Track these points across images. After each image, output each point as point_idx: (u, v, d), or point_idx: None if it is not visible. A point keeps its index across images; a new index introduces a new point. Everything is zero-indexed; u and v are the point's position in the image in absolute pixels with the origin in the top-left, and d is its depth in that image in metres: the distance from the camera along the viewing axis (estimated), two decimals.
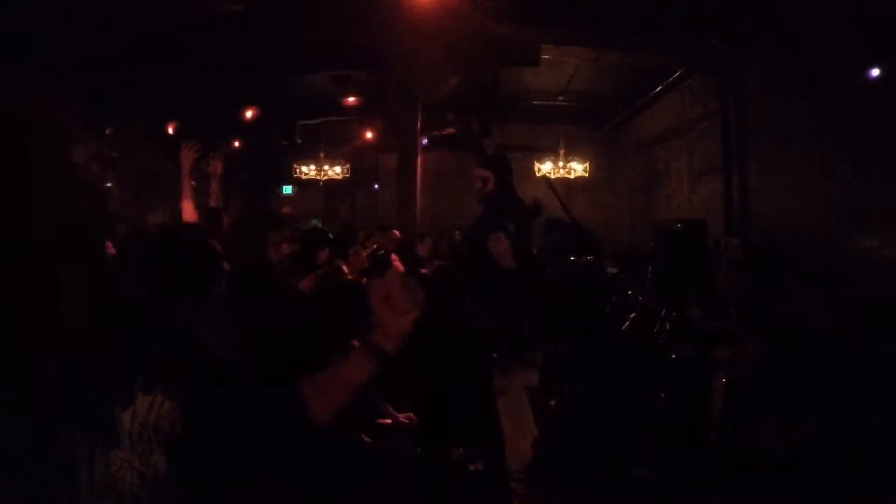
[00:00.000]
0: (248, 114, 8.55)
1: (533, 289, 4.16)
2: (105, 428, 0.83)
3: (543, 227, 4.96)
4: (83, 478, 0.79)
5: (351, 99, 8.77)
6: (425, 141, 9.30)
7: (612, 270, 4.75)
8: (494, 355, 5.65)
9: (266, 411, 1.00)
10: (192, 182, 3.00)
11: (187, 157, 2.96)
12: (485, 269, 2.92)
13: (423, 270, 6.03)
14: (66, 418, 0.79)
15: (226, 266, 1.60)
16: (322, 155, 11.28)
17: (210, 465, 0.96)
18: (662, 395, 3.82)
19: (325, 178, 11.37)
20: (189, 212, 2.95)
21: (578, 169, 10.36)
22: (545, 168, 10.25)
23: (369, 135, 10.17)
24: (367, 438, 2.57)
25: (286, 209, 5.22)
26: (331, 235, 4.61)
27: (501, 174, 3.46)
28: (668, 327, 3.89)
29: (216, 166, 3.04)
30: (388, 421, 2.90)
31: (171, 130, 7.57)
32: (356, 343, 1.06)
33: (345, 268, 3.74)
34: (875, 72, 4.46)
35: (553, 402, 4.03)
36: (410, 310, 1.03)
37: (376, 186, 11.46)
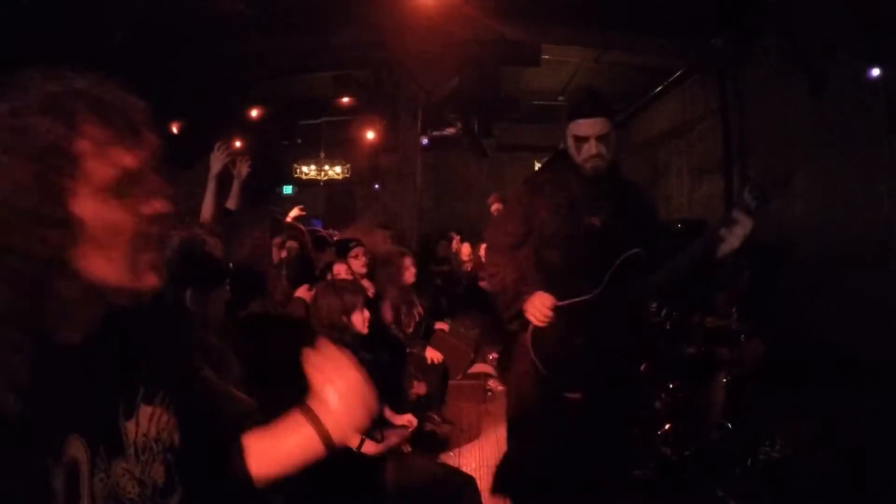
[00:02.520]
0: (248, 114, 8.55)
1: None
2: (108, 437, 0.82)
3: None
4: (84, 486, 0.78)
5: (351, 99, 8.76)
6: (425, 141, 9.29)
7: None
8: (494, 355, 5.65)
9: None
10: (216, 184, 3.02)
11: (218, 160, 2.98)
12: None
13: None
14: (69, 425, 0.78)
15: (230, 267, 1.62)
16: (322, 155, 11.28)
17: (206, 477, 0.96)
18: (663, 395, 3.83)
19: (326, 178, 11.36)
20: (208, 212, 2.96)
21: None
22: None
23: (369, 135, 10.16)
24: (365, 439, 2.57)
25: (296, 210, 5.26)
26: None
27: None
28: (668, 327, 3.90)
29: (242, 168, 3.07)
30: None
31: (175, 130, 7.57)
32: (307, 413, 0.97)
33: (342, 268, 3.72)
34: (875, 72, 4.45)
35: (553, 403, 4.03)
36: (365, 409, 0.96)
37: (376, 186, 11.46)
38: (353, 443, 2.13)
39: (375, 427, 2.71)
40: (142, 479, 0.85)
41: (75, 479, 0.77)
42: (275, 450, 0.99)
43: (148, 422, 0.87)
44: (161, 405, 0.89)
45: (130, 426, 0.85)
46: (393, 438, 2.68)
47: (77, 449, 0.77)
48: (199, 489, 0.93)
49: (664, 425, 3.73)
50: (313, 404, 0.96)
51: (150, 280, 0.80)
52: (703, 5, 5.96)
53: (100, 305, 0.81)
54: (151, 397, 0.88)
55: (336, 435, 0.95)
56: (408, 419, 2.99)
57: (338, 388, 0.95)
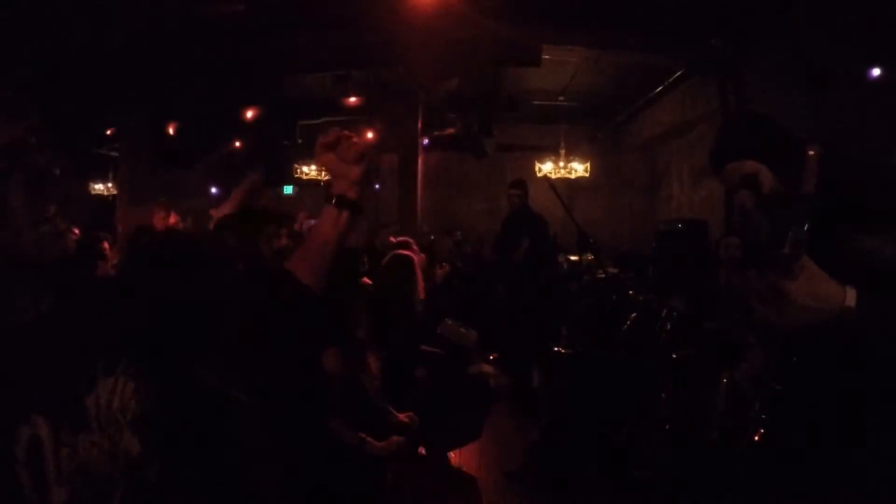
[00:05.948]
0: (249, 114, 8.55)
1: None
2: (70, 413, 0.82)
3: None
4: (48, 462, 0.79)
5: (351, 99, 8.76)
6: (426, 141, 9.29)
7: (612, 270, 4.75)
8: (494, 355, 5.66)
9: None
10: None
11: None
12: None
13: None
14: (28, 403, 0.79)
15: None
16: None
17: (187, 444, 0.92)
18: (663, 395, 3.82)
19: (326, 178, 11.38)
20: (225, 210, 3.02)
21: (579, 169, 10.34)
22: (546, 168, 10.24)
23: (369, 135, 10.16)
24: (367, 438, 2.57)
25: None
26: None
27: None
28: (668, 327, 3.89)
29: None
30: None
31: (171, 131, 7.57)
32: None
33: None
34: (875, 72, 4.46)
35: (554, 403, 4.03)
36: (360, 158, 1.11)
37: (377, 186, 11.46)
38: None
39: (377, 427, 2.71)
40: (112, 453, 0.83)
41: (38, 456, 0.77)
42: (311, 241, 1.14)
43: (109, 394, 0.85)
44: (125, 375, 0.86)
45: (90, 400, 0.84)
46: (395, 438, 2.68)
47: (39, 426, 0.78)
48: (183, 459, 0.90)
49: (664, 425, 3.73)
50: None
51: (54, 248, 0.85)
52: (703, 5, 5.96)
53: (37, 281, 0.83)
54: (112, 368, 0.86)
55: (345, 190, 1.12)
56: (409, 418, 2.99)
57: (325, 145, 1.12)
